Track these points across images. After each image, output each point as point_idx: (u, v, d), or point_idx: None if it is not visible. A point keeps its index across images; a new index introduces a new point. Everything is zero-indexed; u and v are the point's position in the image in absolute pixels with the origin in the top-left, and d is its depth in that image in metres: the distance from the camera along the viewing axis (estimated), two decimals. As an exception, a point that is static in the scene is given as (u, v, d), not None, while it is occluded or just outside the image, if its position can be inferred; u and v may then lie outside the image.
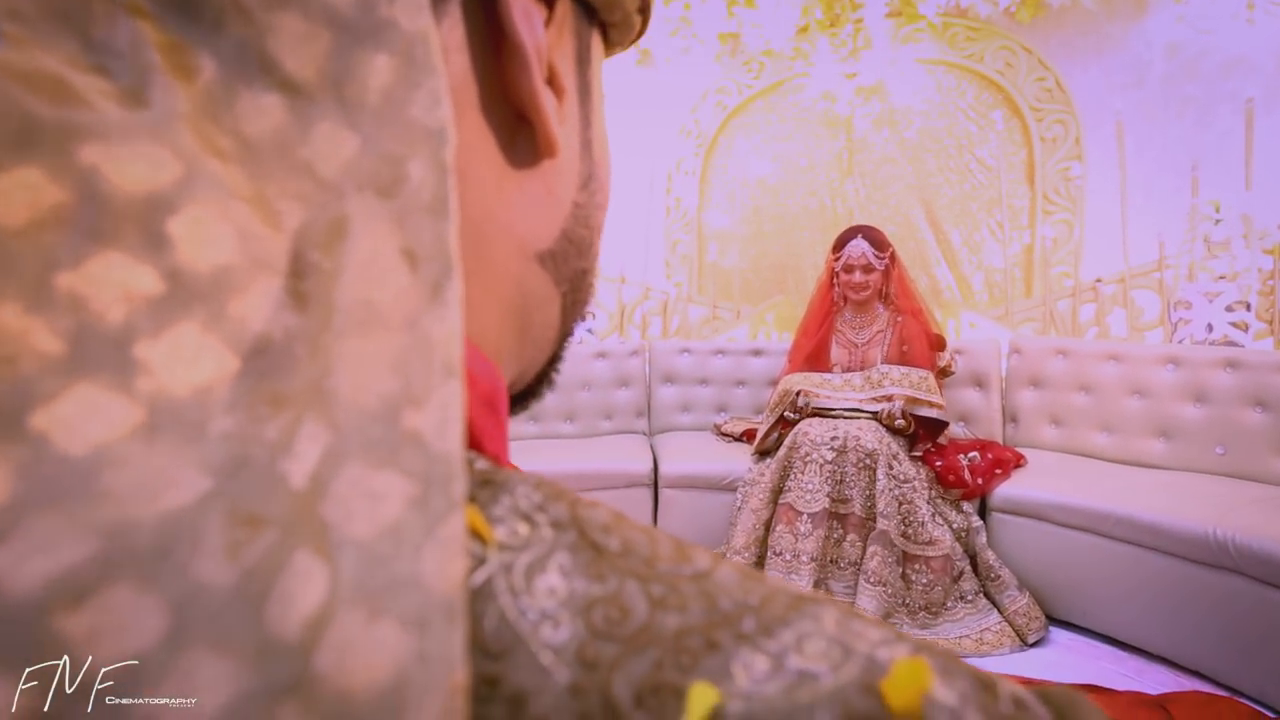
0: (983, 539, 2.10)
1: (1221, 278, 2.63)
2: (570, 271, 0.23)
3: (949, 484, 2.16)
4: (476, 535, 0.14)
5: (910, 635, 0.14)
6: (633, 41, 0.27)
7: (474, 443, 0.18)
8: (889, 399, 2.20)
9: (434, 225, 0.13)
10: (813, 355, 2.40)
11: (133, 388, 0.11)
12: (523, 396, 0.27)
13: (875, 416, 2.19)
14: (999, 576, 2.04)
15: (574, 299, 0.25)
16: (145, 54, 0.13)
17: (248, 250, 0.13)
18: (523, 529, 0.14)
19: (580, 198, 0.23)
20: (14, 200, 0.11)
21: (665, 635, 0.13)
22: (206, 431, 0.11)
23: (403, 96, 0.14)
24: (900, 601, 1.98)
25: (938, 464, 2.19)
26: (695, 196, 3.65)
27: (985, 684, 0.13)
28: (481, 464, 0.16)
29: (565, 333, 0.25)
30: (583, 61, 0.23)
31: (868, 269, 2.29)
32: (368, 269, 0.13)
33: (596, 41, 0.24)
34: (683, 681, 0.12)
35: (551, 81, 0.20)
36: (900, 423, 2.16)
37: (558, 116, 0.20)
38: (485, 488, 0.15)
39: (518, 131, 0.20)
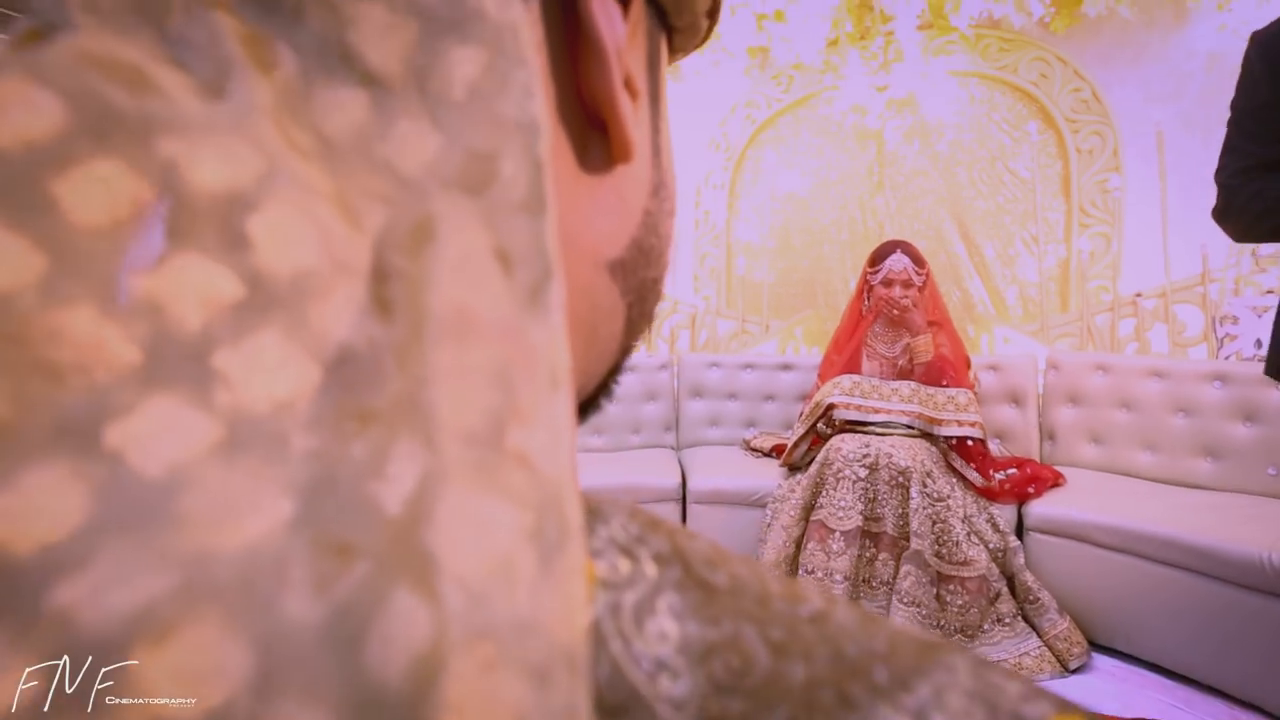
0: (1020, 560, 2.04)
1: (1270, 292, 2.54)
2: (637, 282, 0.22)
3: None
4: None
5: (1043, 688, 0.13)
6: (697, 46, 0.27)
7: None
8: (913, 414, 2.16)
9: (529, 224, 0.12)
10: (844, 369, 2.37)
11: (212, 401, 0.10)
12: (581, 409, 0.26)
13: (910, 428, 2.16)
14: (1038, 599, 1.97)
15: (640, 310, 0.23)
16: (223, 46, 0.12)
17: (330, 252, 0.12)
18: (624, 564, 0.13)
19: (651, 205, 0.22)
20: (91, 195, 0.10)
21: (794, 688, 0.11)
22: (288, 450, 0.10)
23: (491, 90, 0.13)
24: (935, 624, 1.92)
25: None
26: (724, 210, 3.64)
27: None
28: None
29: (627, 346, 0.24)
30: (653, 65, 0.22)
31: (907, 284, 2.25)
32: (459, 272, 0.12)
33: (664, 45, 0.23)
34: None
35: (627, 83, 0.19)
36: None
37: (633, 120, 0.19)
38: None
39: (589, 136, 0.19)
